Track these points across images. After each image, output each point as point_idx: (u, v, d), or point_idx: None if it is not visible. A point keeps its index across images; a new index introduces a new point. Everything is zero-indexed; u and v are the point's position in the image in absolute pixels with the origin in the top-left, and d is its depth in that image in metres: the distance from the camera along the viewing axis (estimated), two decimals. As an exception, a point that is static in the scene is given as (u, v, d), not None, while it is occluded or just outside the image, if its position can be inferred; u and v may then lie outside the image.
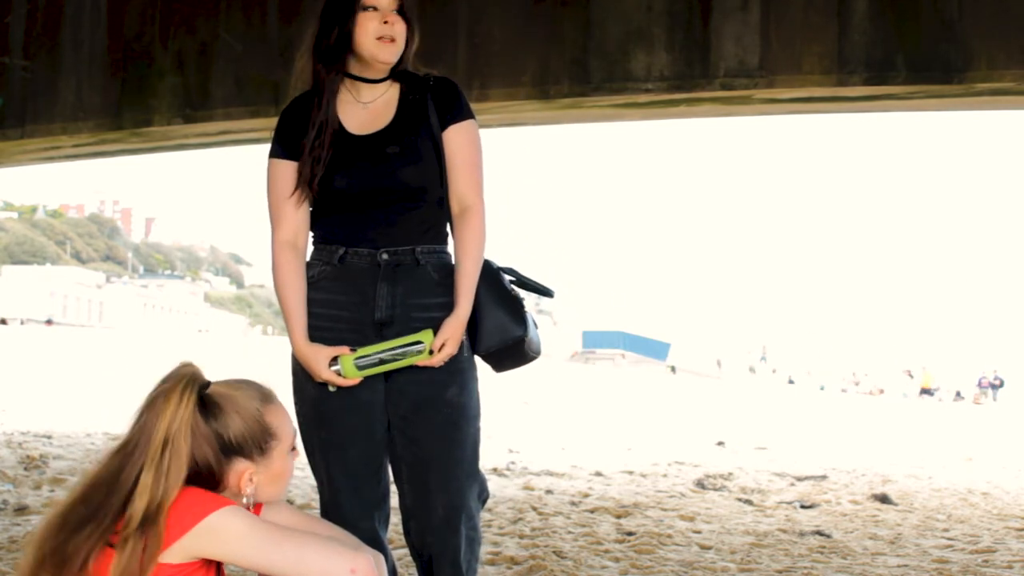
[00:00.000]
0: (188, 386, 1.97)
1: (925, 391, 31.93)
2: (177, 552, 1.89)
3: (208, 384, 2.03)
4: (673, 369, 40.29)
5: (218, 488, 1.99)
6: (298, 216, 2.53)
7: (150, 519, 1.87)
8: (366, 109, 2.55)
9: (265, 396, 2.07)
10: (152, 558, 1.86)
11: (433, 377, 2.47)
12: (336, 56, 2.51)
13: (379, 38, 2.48)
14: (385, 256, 2.48)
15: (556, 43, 5.42)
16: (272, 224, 2.55)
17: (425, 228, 2.52)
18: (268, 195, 2.55)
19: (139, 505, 1.88)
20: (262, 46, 5.78)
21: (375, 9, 2.48)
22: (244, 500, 2.01)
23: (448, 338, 2.44)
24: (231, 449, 1.99)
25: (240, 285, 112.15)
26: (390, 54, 2.50)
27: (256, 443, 2.01)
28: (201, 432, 1.96)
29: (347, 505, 2.49)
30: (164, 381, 1.99)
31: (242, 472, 2.00)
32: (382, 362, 2.43)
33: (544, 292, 2.68)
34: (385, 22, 2.47)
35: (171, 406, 1.94)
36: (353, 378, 2.43)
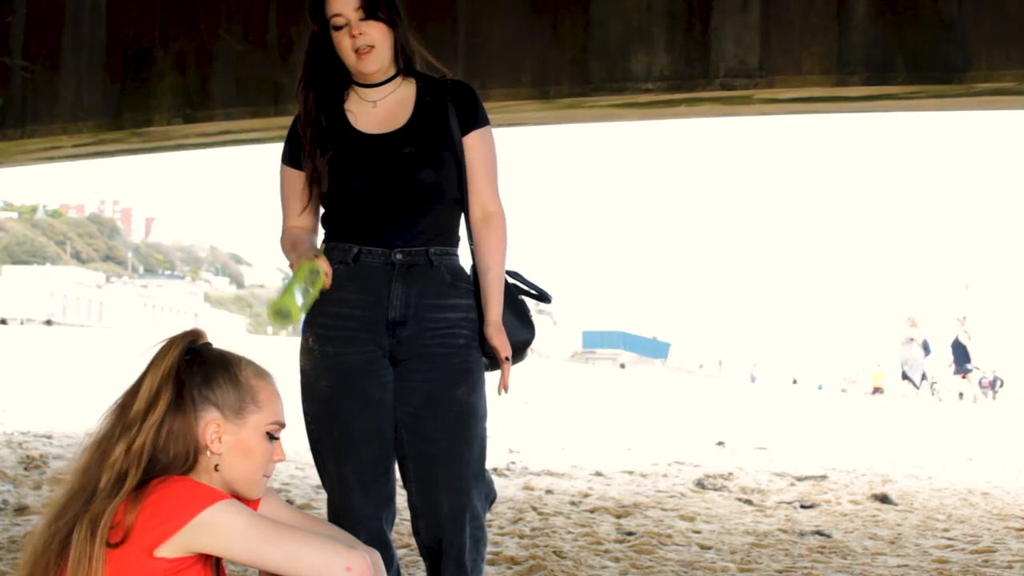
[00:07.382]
0: (181, 338, 2.01)
1: (877, 390, 31.86)
2: (173, 547, 1.88)
3: (208, 344, 2.04)
4: (623, 366, 39.57)
5: (197, 447, 1.98)
6: (308, 220, 2.61)
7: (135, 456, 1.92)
8: (377, 108, 2.55)
9: (258, 370, 2.06)
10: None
11: (444, 375, 2.48)
12: (330, 78, 2.54)
13: (355, 51, 2.49)
14: (399, 256, 2.49)
15: (556, 43, 5.42)
16: (284, 221, 2.64)
17: (439, 230, 2.53)
18: (281, 197, 2.63)
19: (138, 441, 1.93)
20: (262, 46, 5.78)
21: (344, 26, 2.48)
22: (214, 460, 1.98)
23: (499, 347, 2.52)
24: (205, 397, 1.98)
25: (240, 285, 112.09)
26: (370, 63, 2.51)
27: (232, 398, 1.99)
28: (185, 374, 1.98)
29: (359, 505, 2.49)
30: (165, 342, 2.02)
31: (210, 422, 1.97)
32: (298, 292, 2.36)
33: (542, 297, 2.69)
34: (353, 36, 2.47)
35: (160, 357, 1.98)
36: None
